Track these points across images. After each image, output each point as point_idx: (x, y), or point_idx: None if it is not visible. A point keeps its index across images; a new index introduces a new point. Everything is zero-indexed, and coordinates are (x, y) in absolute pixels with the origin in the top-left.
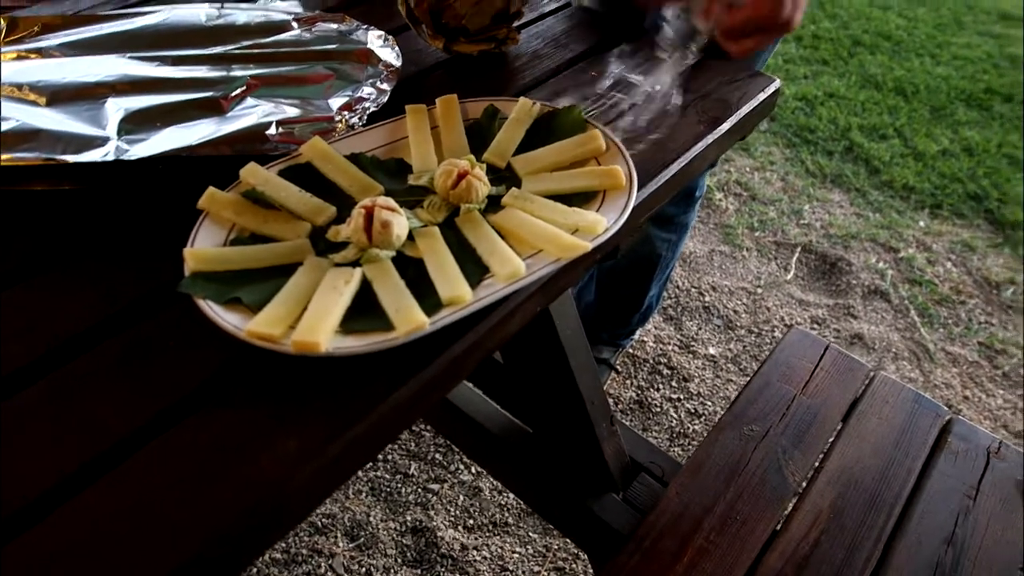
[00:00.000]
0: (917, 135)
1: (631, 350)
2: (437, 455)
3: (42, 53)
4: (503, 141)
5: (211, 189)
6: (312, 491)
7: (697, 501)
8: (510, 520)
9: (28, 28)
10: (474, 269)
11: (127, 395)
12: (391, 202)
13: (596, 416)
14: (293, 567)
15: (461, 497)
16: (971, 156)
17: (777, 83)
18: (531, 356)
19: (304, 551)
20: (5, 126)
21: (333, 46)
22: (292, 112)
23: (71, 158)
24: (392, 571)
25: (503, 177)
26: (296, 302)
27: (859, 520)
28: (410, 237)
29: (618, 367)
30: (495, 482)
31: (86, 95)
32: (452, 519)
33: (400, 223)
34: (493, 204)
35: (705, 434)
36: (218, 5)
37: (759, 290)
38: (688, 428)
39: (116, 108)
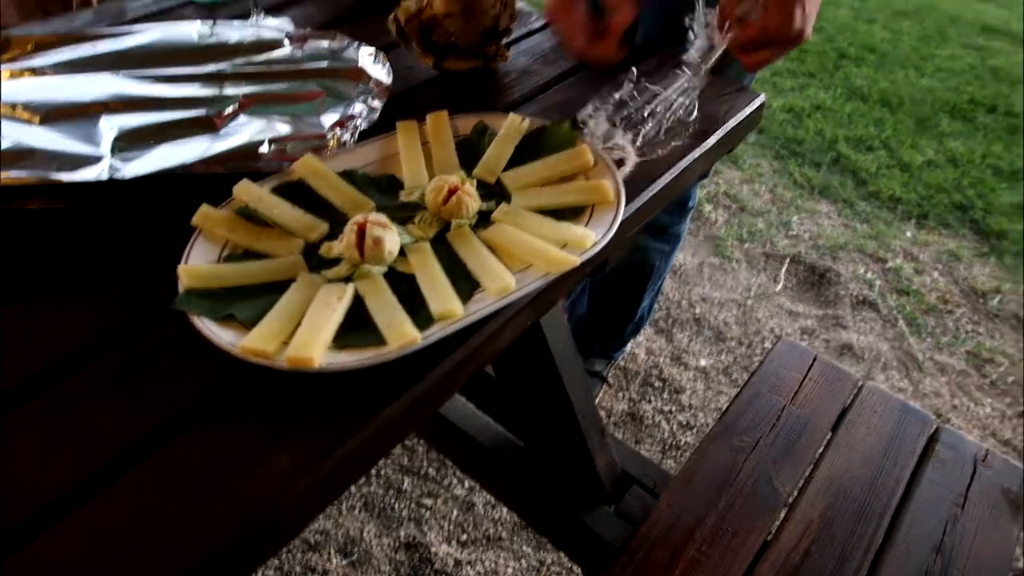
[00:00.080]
0: (903, 146)
1: (623, 362)
2: (430, 470)
3: (36, 72)
4: (493, 157)
5: (204, 206)
6: (306, 507)
7: (689, 512)
8: (504, 535)
9: (22, 46)
10: (465, 284)
11: (122, 412)
12: (383, 218)
13: (588, 429)
14: None
15: (455, 512)
16: (956, 167)
17: (762, 98)
18: (522, 369)
19: (297, 568)
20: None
21: (324, 64)
22: (284, 130)
23: (65, 177)
24: None
25: (493, 192)
26: (289, 318)
27: (849, 530)
28: (402, 253)
29: (610, 380)
30: (488, 496)
31: (80, 113)
32: (446, 534)
33: (392, 239)
34: (483, 219)
35: (697, 446)
36: (210, 23)
37: (749, 301)
38: (680, 440)
39: (109, 126)
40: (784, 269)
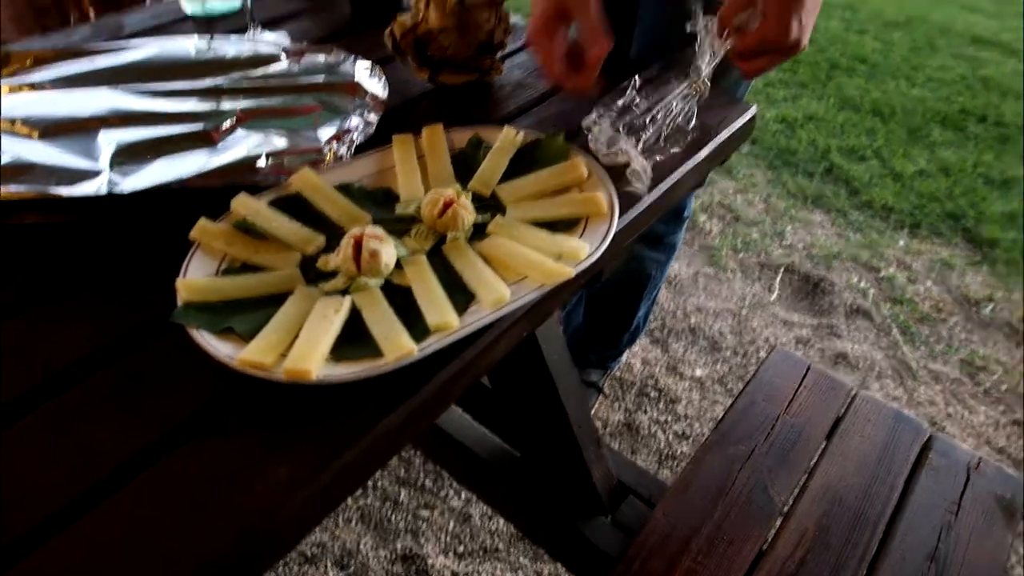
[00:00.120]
0: (895, 156)
1: (618, 373)
2: (427, 481)
3: (35, 87)
4: (488, 170)
5: (203, 220)
6: (303, 519)
7: (685, 522)
8: (501, 546)
9: (21, 61)
10: (461, 296)
11: (120, 425)
12: (379, 231)
13: (583, 439)
14: None
15: (451, 523)
16: (947, 176)
17: (754, 110)
18: (518, 380)
19: None
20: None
21: (321, 78)
22: (281, 143)
23: (64, 191)
24: None
25: (488, 205)
26: (287, 331)
27: (844, 538)
28: (398, 265)
29: (606, 390)
30: (485, 507)
31: (78, 128)
32: (443, 546)
33: (388, 252)
34: (479, 231)
35: (692, 455)
36: (207, 37)
37: (744, 311)
38: (676, 450)
39: (108, 141)
40: (778, 279)
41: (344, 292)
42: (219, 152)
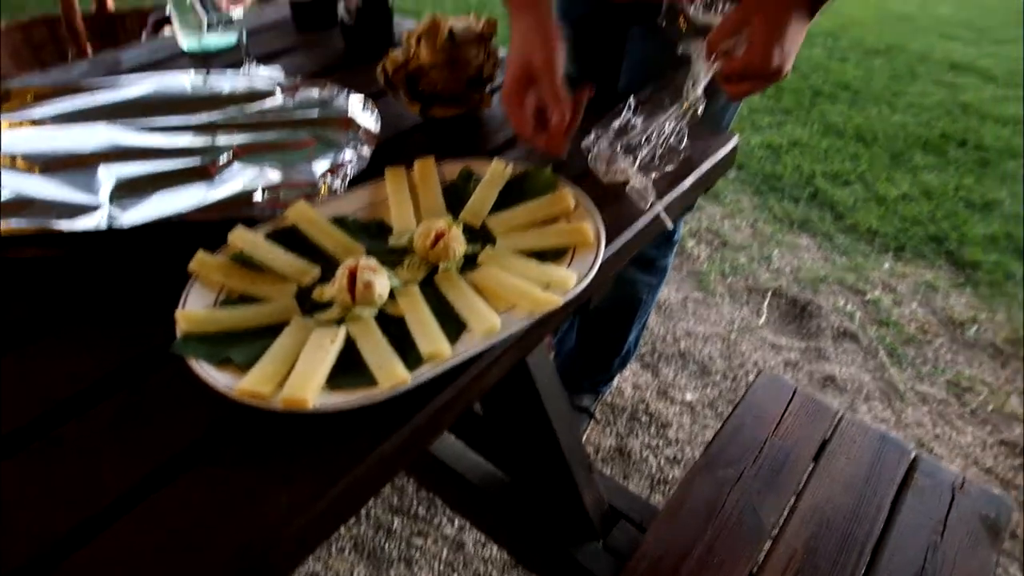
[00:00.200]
0: (878, 180)
1: (609, 398)
2: (420, 509)
3: (35, 123)
4: (478, 202)
5: (201, 253)
6: (301, 545)
7: (675, 546)
8: (495, 573)
9: (21, 98)
10: (453, 325)
11: (119, 456)
12: (373, 262)
13: (574, 464)
14: None
15: (445, 551)
16: (930, 199)
17: (736, 140)
18: (510, 406)
19: None
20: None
21: (315, 112)
22: (277, 177)
23: (65, 225)
24: None
25: (479, 235)
26: (284, 361)
27: (832, 559)
28: (391, 295)
29: (597, 415)
30: (478, 535)
31: (78, 164)
32: (436, 574)
33: (382, 282)
34: (470, 262)
35: (682, 479)
36: (204, 72)
37: (733, 335)
38: (668, 474)
39: (107, 176)
40: (766, 303)
41: (339, 322)
42: (216, 186)
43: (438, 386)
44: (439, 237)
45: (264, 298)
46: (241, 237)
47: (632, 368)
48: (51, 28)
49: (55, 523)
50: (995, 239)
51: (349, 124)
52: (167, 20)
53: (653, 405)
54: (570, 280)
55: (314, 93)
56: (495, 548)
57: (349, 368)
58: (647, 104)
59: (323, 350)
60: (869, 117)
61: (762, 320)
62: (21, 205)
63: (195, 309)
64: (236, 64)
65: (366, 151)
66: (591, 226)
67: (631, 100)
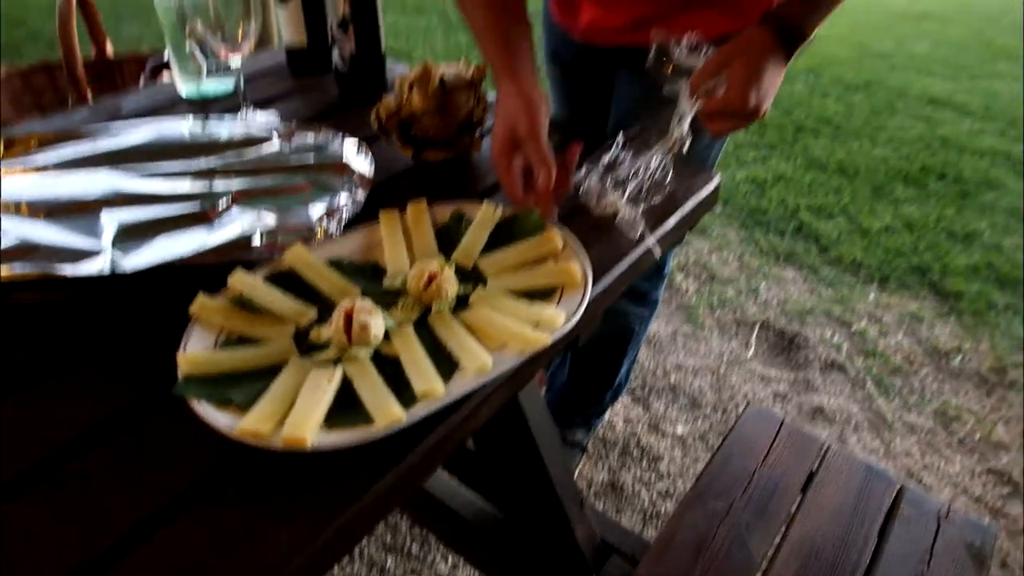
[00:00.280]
0: (861, 213)
1: (601, 432)
2: (413, 547)
3: (39, 169)
4: (469, 243)
5: (201, 296)
6: None
7: None
8: None
9: (25, 144)
10: (446, 364)
11: (121, 497)
12: (369, 304)
13: (566, 499)
14: None
15: None
16: (912, 231)
17: (718, 179)
18: (502, 442)
19: None
20: (4, 242)
21: (311, 157)
22: (274, 221)
23: (69, 271)
24: None
25: (470, 276)
26: (283, 400)
27: None
28: (386, 336)
29: (589, 449)
30: (472, 571)
31: (81, 210)
32: None
33: (377, 323)
34: (462, 302)
35: (673, 512)
36: (202, 118)
37: (722, 368)
38: (660, 508)
39: (110, 221)
40: (755, 335)
41: (336, 362)
42: (216, 231)
43: (432, 424)
44: (432, 279)
45: (263, 339)
46: (240, 280)
47: (623, 402)
48: (50, 74)
49: (58, 565)
50: (977, 269)
51: (344, 169)
52: (164, 66)
53: (645, 439)
54: (559, 319)
55: (309, 138)
56: None
57: (346, 407)
58: (635, 140)
59: (321, 390)
60: (851, 151)
61: (751, 352)
62: (26, 251)
63: (196, 351)
64: (233, 109)
65: (360, 195)
66: (578, 266)
67: (620, 137)
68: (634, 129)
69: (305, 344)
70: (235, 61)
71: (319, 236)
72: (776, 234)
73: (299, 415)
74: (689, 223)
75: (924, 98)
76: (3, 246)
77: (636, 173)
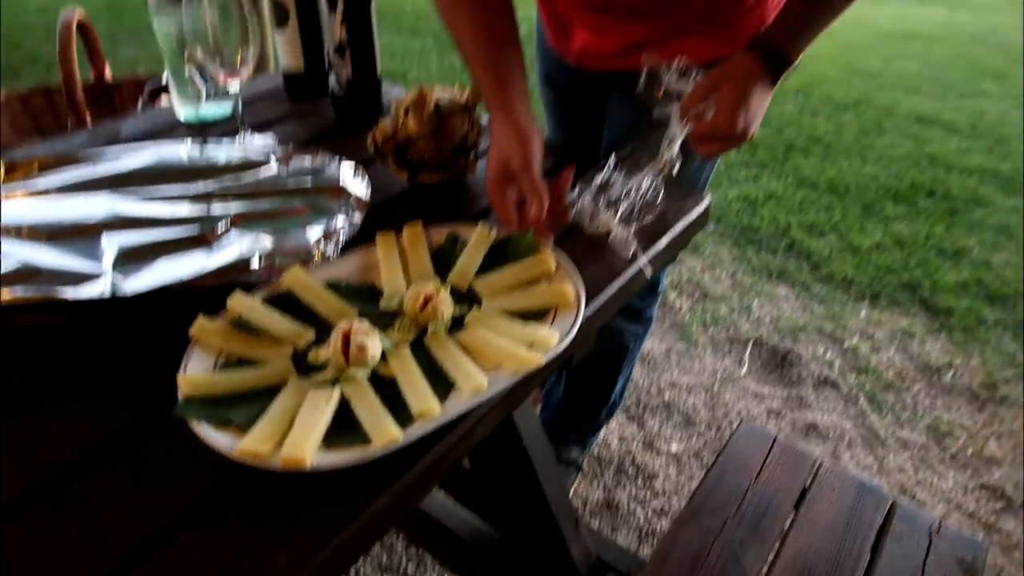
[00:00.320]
0: (852, 230)
1: (596, 450)
2: (409, 567)
3: (40, 193)
4: (464, 265)
5: (201, 318)
6: None
7: None
8: None
9: (26, 168)
10: (442, 384)
11: (121, 519)
12: (366, 325)
13: (561, 518)
14: None
15: None
16: (902, 248)
17: (708, 201)
18: (497, 461)
19: None
20: (6, 266)
21: (308, 180)
22: (272, 244)
23: (70, 294)
24: None
25: (465, 297)
26: (281, 421)
27: None
28: (383, 357)
29: (584, 468)
30: None
31: (82, 233)
32: None
33: (374, 344)
34: (457, 323)
35: (668, 530)
36: (201, 142)
37: (716, 385)
38: (655, 526)
39: (110, 244)
40: (748, 352)
41: (334, 383)
42: (215, 253)
43: (428, 443)
44: (428, 300)
45: (262, 361)
46: (239, 302)
47: (618, 420)
48: (49, 98)
49: None
50: (966, 285)
51: (341, 192)
52: (162, 89)
53: (639, 457)
54: (552, 339)
55: (307, 162)
56: None
57: (343, 427)
58: (627, 162)
59: (319, 410)
60: (841, 169)
61: (744, 370)
62: (27, 274)
63: (196, 373)
64: (231, 133)
65: (357, 218)
66: (571, 287)
67: (612, 158)
68: (626, 151)
69: (303, 365)
70: (234, 86)
71: (316, 258)
72: (768, 252)
73: (298, 435)
74: (680, 243)
75: (912, 117)
76: (5, 270)
77: (628, 194)
